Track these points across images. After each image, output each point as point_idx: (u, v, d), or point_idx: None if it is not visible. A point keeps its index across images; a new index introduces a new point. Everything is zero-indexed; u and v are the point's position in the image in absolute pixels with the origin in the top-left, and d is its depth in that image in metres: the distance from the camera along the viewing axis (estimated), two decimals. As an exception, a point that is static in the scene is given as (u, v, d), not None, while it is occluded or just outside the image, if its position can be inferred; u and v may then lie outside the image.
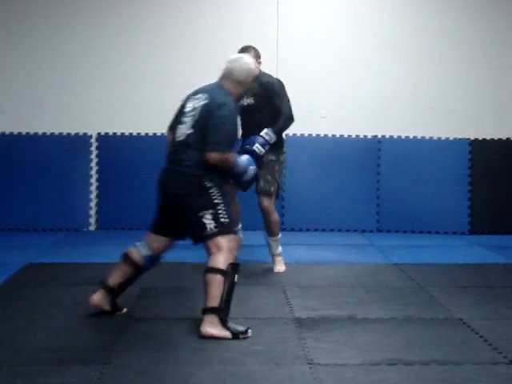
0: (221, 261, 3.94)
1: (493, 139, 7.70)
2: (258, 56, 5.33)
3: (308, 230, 7.60)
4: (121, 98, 7.62)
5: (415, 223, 7.58)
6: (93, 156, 7.61)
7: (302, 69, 7.69)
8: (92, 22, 7.63)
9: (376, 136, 7.68)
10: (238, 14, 7.69)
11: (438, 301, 4.65)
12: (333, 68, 7.74)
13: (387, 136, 7.68)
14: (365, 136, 7.68)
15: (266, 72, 5.53)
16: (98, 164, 7.61)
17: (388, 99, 7.73)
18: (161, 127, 7.55)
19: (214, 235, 3.99)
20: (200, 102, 4.15)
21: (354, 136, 7.67)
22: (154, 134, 7.55)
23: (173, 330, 3.98)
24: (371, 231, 7.62)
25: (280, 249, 5.60)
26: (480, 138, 7.69)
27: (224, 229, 4.02)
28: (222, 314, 3.89)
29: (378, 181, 7.65)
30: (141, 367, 3.42)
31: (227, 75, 4.22)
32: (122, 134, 7.60)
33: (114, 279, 4.28)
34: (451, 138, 7.66)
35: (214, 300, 3.88)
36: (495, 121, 7.74)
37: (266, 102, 5.31)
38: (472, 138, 7.68)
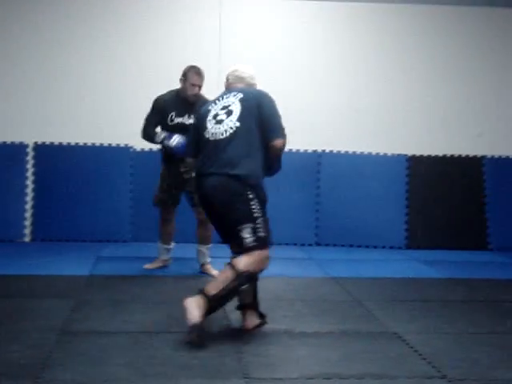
0: (242, 263, 3.96)
1: (430, 155, 7.85)
2: (202, 77, 5.67)
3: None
4: (58, 106, 7.50)
5: (353, 237, 7.65)
6: (29, 166, 7.46)
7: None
8: (32, 25, 7.51)
9: (316, 150, 7.74)
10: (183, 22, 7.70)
11: (375, 315, 4.69)
12: (274, 81, 7.76)
13: (327, 150, 7.75)
14: (305, 150, 7.74)
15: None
16: (34, 174, 7.46)
17: (329, 114, 7.81)
18: (98, 137, 7.56)
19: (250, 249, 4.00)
20: (235, 98, 4.16)
21: (294, 150, 7.70)
22: (93, 143, 7.45)
23: (107, 344, 3.89)
24: (310, 245, 7.65)
25: None
26: (417, 154, 7.83)
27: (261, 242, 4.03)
28: (212, 305, 3.91)
29: (318, 195, 7.70)
30: (73, 382, 3.33)
31: (239, 81, 4.34)
32: (60, 143, 7.47)
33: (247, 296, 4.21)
34: (389, 154, 7.78)
35: (213, 289, 3.92)
36: (432, 137, 7.90)
37: None
38: (409, 154, 7.81)
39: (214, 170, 4.05)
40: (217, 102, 4.26)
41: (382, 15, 7.89)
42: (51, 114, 7.46)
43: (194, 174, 5.09)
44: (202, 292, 3.96)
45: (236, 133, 4.07)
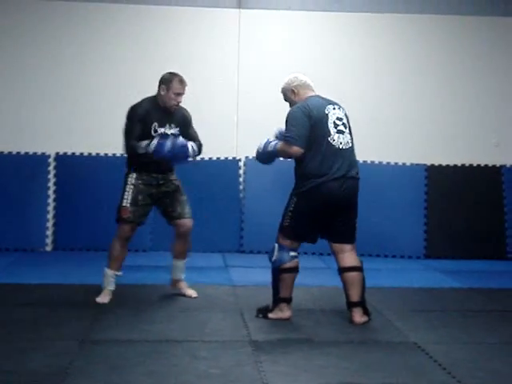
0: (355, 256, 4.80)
1: (448, 165, 7.83)
2: (185, 85, 5.24)
3: (267, 252, 7.53)
4: (79, 117, 7.58)
5: (372, 246, 7.64)
6: (50, 176, 7.54)
7: (263, 92, 7.74)
8: (52, 39, 7.60)
9: (335, 160, 7.74)
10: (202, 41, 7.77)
11: (394, 324, 4.69)
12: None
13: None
14: (323, 160, 7.74)
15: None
16: (55, 184, 7.54)
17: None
18: (118, 148, 7.61)
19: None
20: (342, 112, 4.77)
21: (313, 160, 7.72)
22: (114, 154, 7.52)
23: (128, 352, 3.93)
24: (329, 254, 7.62)
25: None
26: (436, 164, 7.82)
27: None
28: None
29: (336, 204, 7.70)
30: (95, 391, 3.38)
31: (311, 88, 4.88)
32: (81, 153, 7.55)
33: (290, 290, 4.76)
34: (408, 164, 7.78)
35: (359, 296, 4.71)
36: (451, 147, 7.89)
37: (186, 132, 5.28)
38: (428, 164, 7.80)
39: (349, 174, 4.65)
40: (327, 107, 4.70)
41: (400, 26, 7.92)
42: (72, 125, 7.55)
43: (175, 184, 5.24)
44: (360, 303, 4.72)
45: (352, 144, 4.76)
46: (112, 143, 7.48)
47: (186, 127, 5.29)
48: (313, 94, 4.82)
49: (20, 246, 7.37)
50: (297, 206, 4.70)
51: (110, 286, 5.20)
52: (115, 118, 7.51)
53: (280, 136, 4.87)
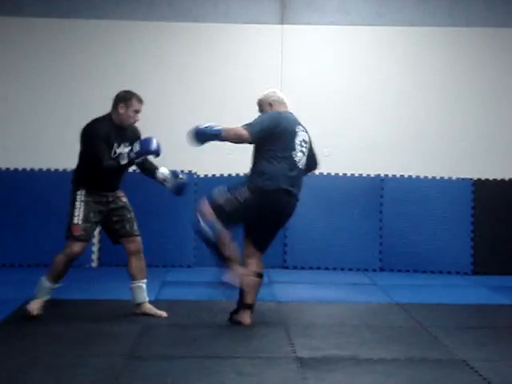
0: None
1: (496, 179, 7.71)
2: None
3: (310, 268, 7.59)
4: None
5: (418, 262, 7.56)
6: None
7: (305, 108, 7.74)
8: (93, 58, 7.73)
9: (379, 175, 7.70)
10: (245, 58, 7.82)
11: (441, 341, 4.61)
12: (337, 107, 7.81)
13: (390, 175, 7.71)
14: (368, 175, 7.71)
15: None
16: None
17: (391, 138, 7.78)
18: (161, 164, 7.67)
19: None
20: (307, 136, 5.04)
21: (357, 175, 7.69)
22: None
23: (174, 368, 3.93)
24: (374, 270, 7.59)
25: None
26: (483, 178, 7.71)
27: None
28: None
29: (381, 220, 7.65)
30: (141, 406, 3.38)
31: (284, 104, 5.08)
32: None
33: (253, 297, 4.99)
34: (454, 178, 7.68)
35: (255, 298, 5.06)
36: (498, 161, 7.78)
37: None
38: (475, 178, 7.69)
39: (294, 191, 4.95)
40: (297, 126, 4.98)
41: (444, 39, 7.85)
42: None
43: (123, 200, 5.20)
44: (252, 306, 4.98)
45: (303, 170, 5.08)
46: (155, 160, 7.59)
47: None
48: (286, 110, 5.07)
49: (67, 262, 7.46)
50: (245, 203, 4.81)
51: (45, 297, 5.09)
52: (162, 135, 7.65)
53: None
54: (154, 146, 4.95)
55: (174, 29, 7.77)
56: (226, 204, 4.82)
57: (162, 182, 5.26)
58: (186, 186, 5.27)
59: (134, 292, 5.22)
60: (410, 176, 7.72)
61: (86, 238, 5.07)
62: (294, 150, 4.91)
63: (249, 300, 4.98)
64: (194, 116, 7.61)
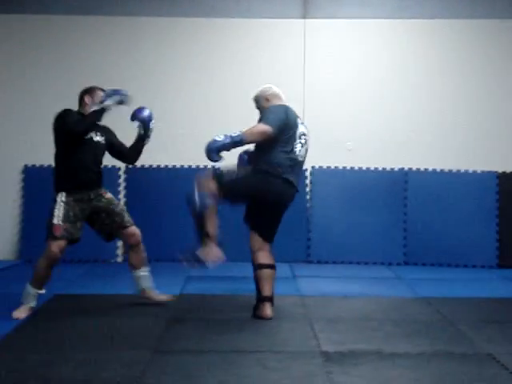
0: None
1: (521, 172, 7.66)
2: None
3: (334, 262, 7.58)
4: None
5: (442, 256, 7.53)
6: (121, 188, 7.69)
7: (328, 102, 7.74)
8: (113, 55, 7.77)
9: (403, 168, 7.67)
10: (268, 53, 7.80)
11: (467, 335, 4.59)
12: (359, 100, 7.78)
13: (414, 168, 7.67)
14: (391, 168, 7.68)
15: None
16: (125, 196, 7.68)
17: (415, 131, 7.74)
18: (185, 160, 7.68)
19: None
20: (306, 129, 5.12)
21: (380, 168, 7.67)
22: (182, 165, 7.62)
23: (199, 362, 3.96)
24: (398, 264, 7.57)
25: None
26: (508, 171, 7.64)
27: None
28: None
29: (405, 213, 7.62)
30: (167, 400, 3.41)
31: (278, 97, 5.17)
32: (150, 166, 7.66)
33: (270, 288, 5.02)
34: (479, 171, 7.63)
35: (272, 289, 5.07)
36: (523, 153, 7.71)
37: (113, 140, 5.33)
38: (500, 171, 7.63)
39: (294, 181, 5.01)
40: (297, 119, 5.07)
41: (467, 31, 7.80)
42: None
43: (106, 197, 5.24)
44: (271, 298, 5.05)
45: (304, 159, 5.16)
46: (178, 156, 7.63)
47: (111, 135, 5.33)
48: (283, 103, 5.12)
49: (91, 257, 7.53)
50: (249, 177, 4.96)
51: (32, 304, 5.05)
52: (182, 131, 7.70)
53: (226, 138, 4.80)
54: (147, 112, 5.17)
55: (196, 24, 7.77)
56: (227, 174, 4.95)
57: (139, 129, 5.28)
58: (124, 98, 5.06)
59: (137, 280, 5.34)
60: (434, 169, 7.67)
61: (68, 237, 5.01)
62: (295, 141, 5.01)
63: (266, 292, 5.00)
64: (217, 111, 7.67)
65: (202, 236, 4.94)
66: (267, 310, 4.98)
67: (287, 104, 5.11)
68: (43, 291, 5.09)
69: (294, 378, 3.70)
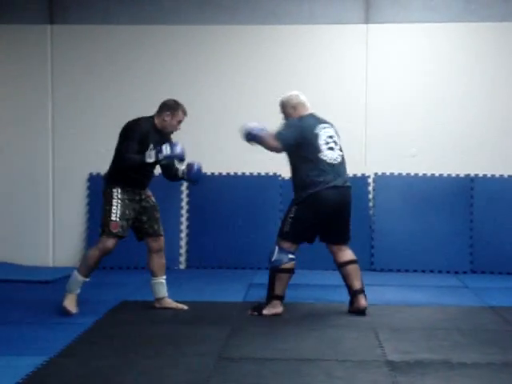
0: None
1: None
2: None
3: (399, 270, 7.47)
4: (205, 138, 7.71)
5: (510, 264, 7.34)
6: (183, 196, 7.74)
7: (392, 107, 7.65)
8: (177, 63, 7.85)
9: (469, 175, 7.52)
10: (330, 58, 7.77)
11: (539, 346, 4.46)
12: (423, 107, 7.66)
13: (480, 174, 7.51)
14: (457, 175, 7.54)
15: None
16: (188, 204, 7.74)
17: (481, 137, 7.57)
18: (247, 167, 7.68)
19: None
20: (333, 130, 5.31)
21: (445, 175, 7.53)
22: (243, 173, 7.64)
23: (263, 370, 3.94)
24: (465, 272, 7.41)
25: None
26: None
27: None
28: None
29: (472, 220, 7.46)
30: (232, 408, 3.40)
31: (304, 106, 5.35)
32: (212, 173, 7.66)
33: (284, 289, 5.29)
34: (516, 175, 7.43)
35: (361, 282, 5.34)
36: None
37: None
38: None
39: (340, 183, 5.21)
40: (318, 127, 5.22)
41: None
42: (202, 146, 7.61)
43: (153, 201, 5.41)
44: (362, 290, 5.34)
45: (342, 158, 5.34)
46: (240, 163, 7.63)
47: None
48: (308, 112, 5.31)
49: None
50: (297, 213, 5.19)
51: (77, 291, 5.27)
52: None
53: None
54: (179, 150, 5.18)
55: (257, 31, 7.78)
56: (286, 227, 5.24)
57: (183, 176, 5.46)
58: (199, 172, 5.47)
59: (155, 287, 5.50)
60: (501, 175, 7.50)
61: (123, 235, 5.22)
62: (319, 148, 5.18)
63: (357, 286, 5.32)
64: (279, 119, 7.64)
65: (270, 296, 5.28)
66: (361, 300, 5.29)
67: (310, 114, 5.29)
68: (88, 279, 5.30)
69: (359, 387, 3.65)
